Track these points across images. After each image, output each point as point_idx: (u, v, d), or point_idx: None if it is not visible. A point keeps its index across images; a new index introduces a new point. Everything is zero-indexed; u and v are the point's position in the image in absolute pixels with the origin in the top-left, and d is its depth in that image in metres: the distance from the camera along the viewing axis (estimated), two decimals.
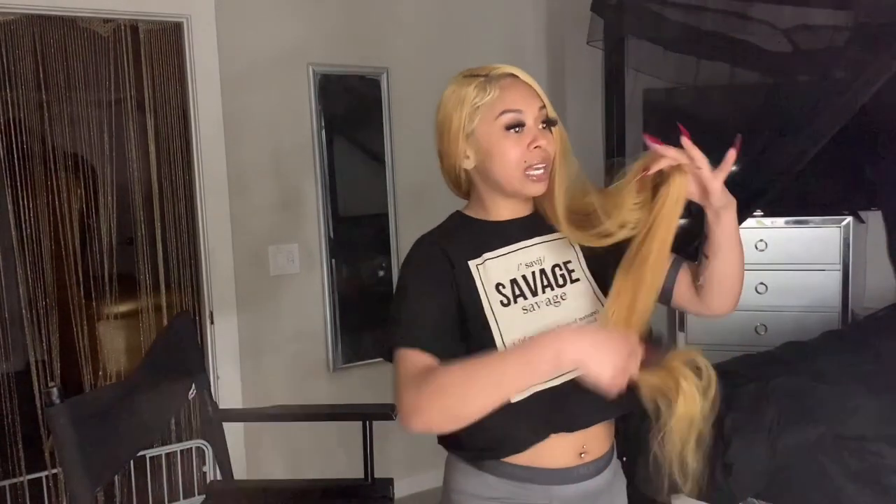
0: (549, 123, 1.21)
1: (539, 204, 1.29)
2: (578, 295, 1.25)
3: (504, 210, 1.27)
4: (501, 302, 1.20)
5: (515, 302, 1.21)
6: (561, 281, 1.25)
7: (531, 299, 1.21)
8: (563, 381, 1.17)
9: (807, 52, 2.34)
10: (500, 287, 1.21)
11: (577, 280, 1.26)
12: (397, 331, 1.16)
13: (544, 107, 1.21)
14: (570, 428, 1.21)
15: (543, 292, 1.23)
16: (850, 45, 2.13)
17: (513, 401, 1.12)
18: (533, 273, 1.24)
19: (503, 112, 1.18)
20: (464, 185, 1.30)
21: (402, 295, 1.19)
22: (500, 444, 1.20)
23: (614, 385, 1.00)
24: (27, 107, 2.62)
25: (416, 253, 1.24)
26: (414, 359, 1.11)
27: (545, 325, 1.19)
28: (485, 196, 1.26)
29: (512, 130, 1.18)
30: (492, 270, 1.22)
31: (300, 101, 2.88)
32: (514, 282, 1.22)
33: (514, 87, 1.20)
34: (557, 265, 1.26)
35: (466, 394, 1.03)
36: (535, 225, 1.28)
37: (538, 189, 1.20)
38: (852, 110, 2.06)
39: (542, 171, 1.19)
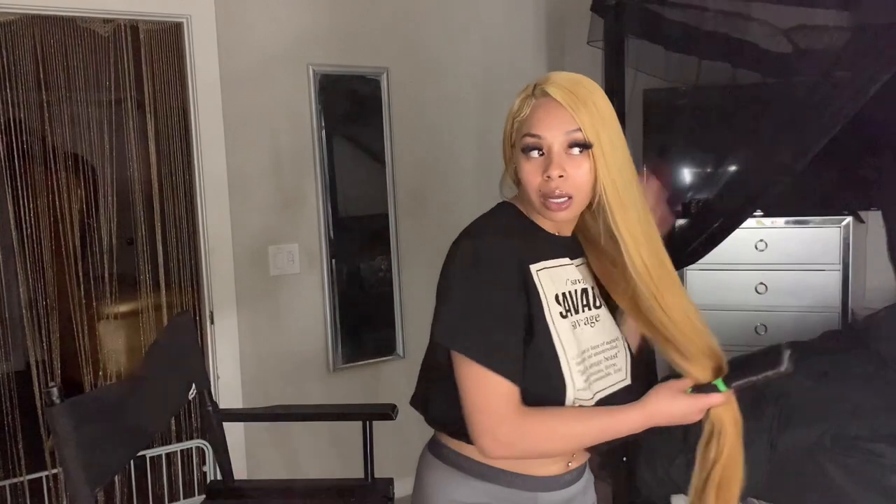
0: (580, 147, 1.12)
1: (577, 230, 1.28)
2: (606, 319, 1.26)
3: (547, 222, 1.23)
4: (560, 313, 1.18)
5: (566, 316, 1.19)
6: (597, 303, 1.25)
7: (574, 316, 1.20)
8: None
9: (807, 52, 2.34)
10: (557, 297, 1.19)
11: (601, 306, 1.27)
12: (478, 344, 1.10)
13: (578, 129, 1.11)
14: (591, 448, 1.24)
15: (582, 311, 1.22)
16: (850, 45, 2.13)
17: None
18: (575, 291, 1.22)
19: (525, 135, 1.15)
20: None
21: (477, 295, 1.11)
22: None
23: None
24: (27, 107, 2.62)
25: (491, 247, 1.15)
26: (501, 389, 1.10)
27: (583, 344, 1.19)
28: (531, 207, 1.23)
29: (533, 153, 1.14)
30: (546, 280, 1.19)
31: (300, 101, 2.88)
32: (564, 295, 1.20)
33: (542, 108, 1.14)
34: (589, 288, 1.26)
35: (571, 442, 1.15)
36: (575, 247, 1.27)
37: (559, 217, 1.16)
38: (852, 110, 2.06)
39: (562, 200, 1.13)
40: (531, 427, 1.11)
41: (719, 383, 1.16)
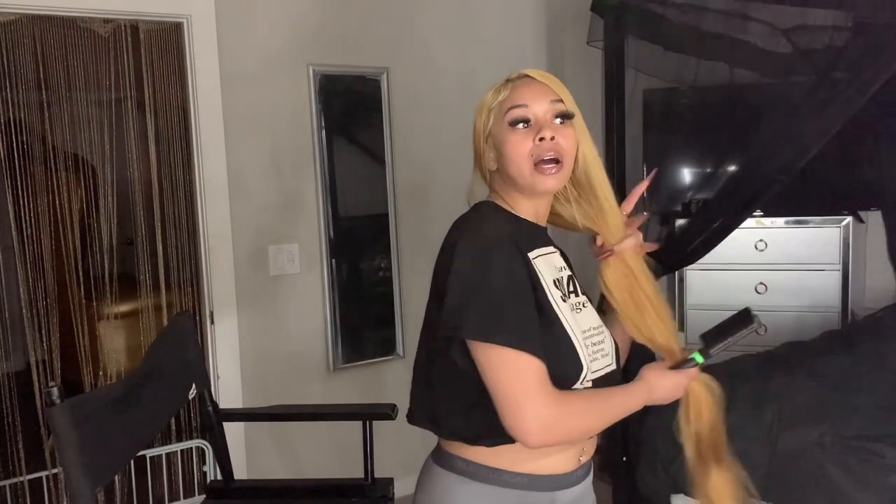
0: (563, 117, 1.19)
1: (554, 214, 1.30)
2: (589, 307, 1.28)
3: (529, 211, 1.25)
4: (561, 297, 1.20)
5: (565, 300, 1.21)
6: (581, 289, 1.28)
7: (569, 301, 1.22)
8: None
9: (807, 52, 2.34)
10: (555, 282, 1.21)
11: (584, 293, 1.29)
12: (505, 329, 1.09)
13: (560, 101, 1.19)
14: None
15: (570, 297, 1.23)
16: (850, 45, 2.13)
17: None
18: (563, 277, 1.24)
19: (510, 108, 1.19)
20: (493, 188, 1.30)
21: (492, 281, 1.11)
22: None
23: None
24: (27, 107, 2.62)
25: (495, 236, 1.16)
26: (534, 368, 1.09)
27: (582, 326, 1.21)
28: (509, 198, 1.25)
29: (519, 125, 1.18)
30: (542, 266, 1.21)
31: (300, 101, 2.88)
32: (558, 281, 1.22)
33: (524, 85, 1.21)
34: (573, 276, 1.28)
35: (600, 419, 1.16)
36: (551, 237, 1.30)
37: (550, 184, 1.18)
38: (852, 110, 2.06)
39: (553, 166, 1.17)
40: (569, 405, 1.12)
41: (696, 356, 1.23)
